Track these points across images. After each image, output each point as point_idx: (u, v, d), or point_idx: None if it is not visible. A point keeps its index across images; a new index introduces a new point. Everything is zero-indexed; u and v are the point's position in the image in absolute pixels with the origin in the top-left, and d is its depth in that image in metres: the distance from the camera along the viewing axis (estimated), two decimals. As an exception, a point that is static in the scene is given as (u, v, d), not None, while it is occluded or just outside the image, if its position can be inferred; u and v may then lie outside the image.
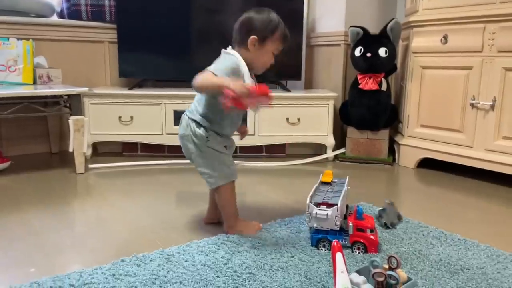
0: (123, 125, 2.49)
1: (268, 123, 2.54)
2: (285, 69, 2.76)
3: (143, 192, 1.94)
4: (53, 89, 2.16)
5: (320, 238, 1.28)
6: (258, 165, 2.42)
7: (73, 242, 1.39)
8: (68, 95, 2.16)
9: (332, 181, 1.48)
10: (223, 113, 1.31)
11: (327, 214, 1.26)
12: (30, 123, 2.55)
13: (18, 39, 2.33)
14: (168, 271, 1.14)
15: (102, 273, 1.12)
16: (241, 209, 1.55)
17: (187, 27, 2.60)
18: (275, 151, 2.68)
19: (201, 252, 1.25)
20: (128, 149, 2.62)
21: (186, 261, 1.20)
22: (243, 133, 1.53)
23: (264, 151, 2.68)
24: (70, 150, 2.13)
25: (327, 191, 1.39)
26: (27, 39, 2.35)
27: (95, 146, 2.61)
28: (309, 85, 3.02)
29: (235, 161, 1.48)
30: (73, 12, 2.61)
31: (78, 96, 2.16)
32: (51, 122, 2.60)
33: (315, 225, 1.29)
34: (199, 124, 1.35)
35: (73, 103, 2.14)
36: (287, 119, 2.55)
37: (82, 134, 2.13)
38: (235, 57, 1.33)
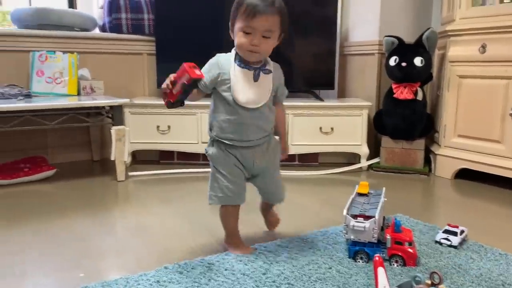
0: (161, 134, 2.57)
1: (301, 132, 2.56)
2: (317, 78, 2.79)
3: (181, 199, 2.00)
4: (96, 100, 2.27)
5: (358, 250, 1.29)
6: (291, 174, 2.44)
7: (116, 248, 1.46)
8: (111, 106, 2.25)
9: (368, 193, 1.49)
10: (218, 112, 1.29)
11: (365, 226, 1.27)
12: (73, 132, 2.67)
13: (63, 52, 2.45)
14: (209, 279, 1.18)
15: (147, 279, 1.18)
16: (277, 219, 1.58)
17: (222, 39, 2.65)
18: (308, 160, 2.69)
19: (240, 261, 1.29)
20: (165, 157, 2.70)
21: (226, 269, 1.24)
22: (286, 150, 1.44)
23: (297, 159, 2.70)
24: (112, 158, 2.22)
25: (364, 203, 1.40)
26: (72, 52, 2.48)
27: (134, 154, 2.70)
28: (341, 94, 3.03)
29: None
30: (114, 26, 2.72)
31: (119, 107, 2.25)
32: (93, 131, 2.71)
33: (352, 237, 1.30)
34: (208, 138, 1.35)
35: (115, 114, 2.23)
36: (320, 128, 2.56)
37: (123, 143, 2.21)
38: (222, 53, 1.31)
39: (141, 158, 2.74)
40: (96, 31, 2.84)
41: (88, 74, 2.57)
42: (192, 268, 1.24)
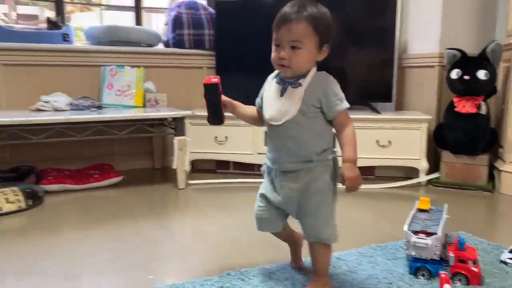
0: (218, 144, 2.66)
1: (357, 145, 2.54)
2: (374, 91, 2.77)
3: (237, 208, 2.06)
4: (160, 112, 2.40)
5: (419, 267, 1.28)
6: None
7: (181, 252, 1.54)
8: (174, 118, 2.38)
9: (429, 209, 1.47)
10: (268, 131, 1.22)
11: (427, 243, 1.25)
12: (137, 141, 2.83)
13: (131, 66, 2.62)
14: (270, 288, 1.22)
15: (211, 284, 1.24)
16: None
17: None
18: (364, 173, 2.66)
19: (300, 272, 1.32)
20: (221, 167, 2.79)
21: (286, 279, 1.27)
22: (345, 180, 1.12)
23: (352, 172, 2.68)
24: (174, 167, 2.33)
25: (425, 219, 1.39)
26: (139, 67, 2.64)
27: (192, 163, 2.81)
28: (399, 107, 2.98)
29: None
30: (177, 41, 2.87)
31: (182, 118, 2.37)
32: (155, 140, 2.86)
33: (413, 254, 1.29)
34: None
35: (178, 125, 2.35)
36: (377, 141, 2.54)
37: (184, 153, 2.32)
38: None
39: (198, 167, 2.85)
40: (160, 47, 3.00)
41: (153, 87, 2.72)
42: (253, 276, 1.29)
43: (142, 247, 1.59)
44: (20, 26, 2.86)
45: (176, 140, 2.31)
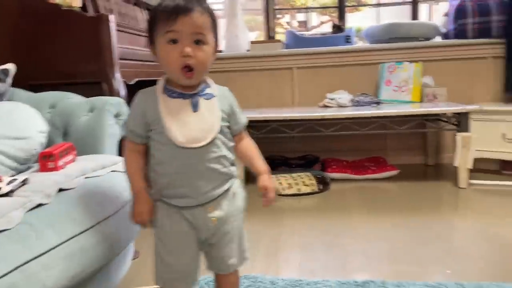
0: (507, 142, 2.39)
1: None
2: None
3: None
4: (441, 107, 2.33)
5: None
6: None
7: (474, 251, 1.48)
8: (456, 113, 2.27)
9: None
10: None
11: None
12: (410, 136, 2.82)
13: (410, 62, 2.64)
14: None
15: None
16: None
17: None
18: None
19: None
20: (509, 168, 2.49)
21: None
22: (268, 191, 0.98)
23: None
24: (455, 165, 2.23)
25: None
26: (417, 62, 2.63)
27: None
28: None
29: None
30: (459, 32, 2.71)
31: (466, 114, 2.24)
32: (429, 136, 2.79)
33: None
34: None
35: (462, 120, 2.23)
36: None
37: (467, 150, 2.19)
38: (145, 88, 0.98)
39: (477, 167, 2.62)
40: (438, 39, 2.90)
41: (431, 82, 2.67)
42: None
43: (432, 241, 1.60)
44: (308, 33, 3.28)
45: (460, 136, 2.20)
